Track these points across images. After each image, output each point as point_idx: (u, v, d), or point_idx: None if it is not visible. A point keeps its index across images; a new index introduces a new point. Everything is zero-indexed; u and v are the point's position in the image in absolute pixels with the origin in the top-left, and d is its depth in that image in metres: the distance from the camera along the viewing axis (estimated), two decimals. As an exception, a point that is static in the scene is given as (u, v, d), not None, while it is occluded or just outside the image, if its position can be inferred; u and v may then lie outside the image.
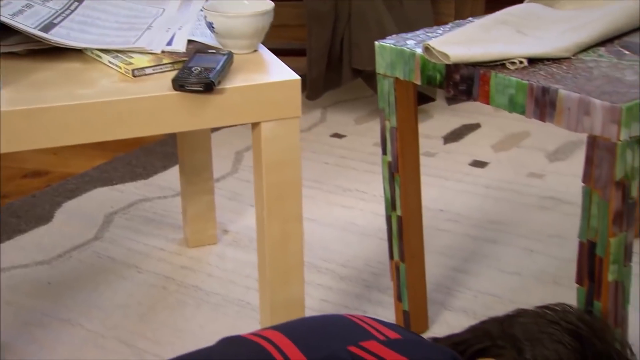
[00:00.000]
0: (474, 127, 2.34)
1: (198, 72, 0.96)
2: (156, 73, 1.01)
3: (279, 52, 2.95)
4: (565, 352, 0.81)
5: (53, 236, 1.70)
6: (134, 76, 1.00)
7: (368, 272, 1.56)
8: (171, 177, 2.00)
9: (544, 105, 0.96)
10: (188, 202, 1.62)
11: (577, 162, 2.02)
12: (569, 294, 1.10)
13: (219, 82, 0.98)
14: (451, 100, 2.59)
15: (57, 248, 1.65)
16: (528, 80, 0.98)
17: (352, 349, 0.72)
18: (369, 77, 2.44)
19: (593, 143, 0.93)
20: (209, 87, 0.96)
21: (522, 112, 0.99)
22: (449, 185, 1.94)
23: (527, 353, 0.82)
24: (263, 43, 1.16)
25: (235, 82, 1.01)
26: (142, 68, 1.00)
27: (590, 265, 0.97)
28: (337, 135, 2.32)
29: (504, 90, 1.01)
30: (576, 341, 0.82)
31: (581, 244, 0.97)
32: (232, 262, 1.60)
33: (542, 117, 0.97)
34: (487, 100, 1.03)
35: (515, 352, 0.82)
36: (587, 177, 0.94)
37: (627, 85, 0.95)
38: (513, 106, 1.00)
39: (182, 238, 1.68)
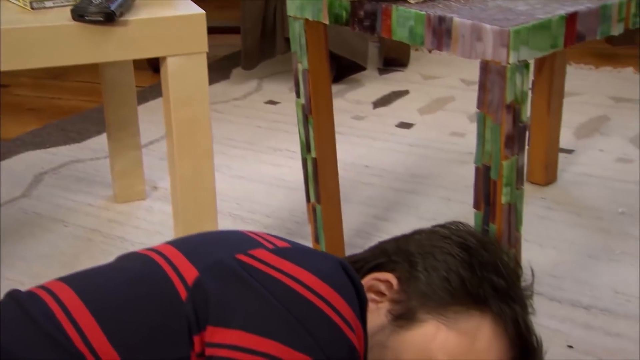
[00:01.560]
0: (403, 93, 2.34)
1: (98, 3, 0.92)
2: (56, 7, 0.97)
3: (216, 30, 2.88)
4: (454, 262, 0.80)
5: (-21, 195, 1.64)
6: (33, 9, 0.95)
7: (292, 222, 1.54)
8: (105, 141, 1.94)
9: (440, 34, 0.96)
10: (115, 157, 1.58)
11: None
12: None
13: (121, 14, 0.95)
14: (383, 70, 2.60)
15: (-18, 205, 1.59)
16: (426, 11, 0.97)
17: (240, 256, 0.70)
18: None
19: (486, 69, 0.92)
20: (109, 17, 0.92)
21: (422, 43, 0.98)
22: (375, 145, 1.93)
23: (419, 265, 0.81)
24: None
25: (139, 15, 0.98)
26: (41, 1, 0.96)
27: (485, 189, 0.96)
28: (271, 102, 2.30)
29: (404, 22, 0.99)
30: (465, 252, 0.81)
31: (477, 169, 0.97)
32: (159, 215, 1.57)
33: (439, 46, 0.96)
34: (389, 33, 1.02)
35: (408, 265, 0.81)
36: (480, 102, 0.94)
37: (517, 13, 0.94)
38: (413, 38, 0.99)
39: (111, 195, 1.64)
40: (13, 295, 0.70)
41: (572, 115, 2.01)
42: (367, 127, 2.05)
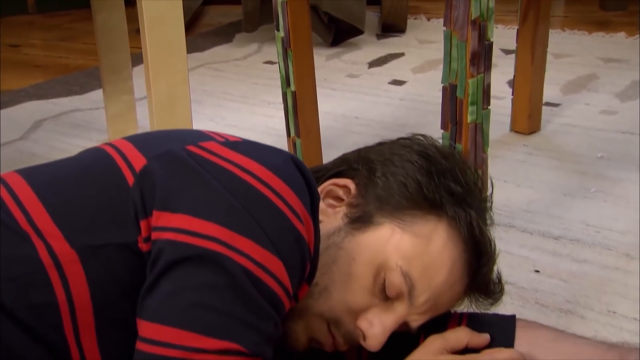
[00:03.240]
0: (398, 55, 2.30)
1: None
2: None
3: (221, 0, 2.84)
4: (412, 168, 0.77)
5: (-22, 137, 1.64)
6: None
7: (278, 164, 1.52)
8: (105, 93, 1.93)
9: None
10: (109, 101, 1.56)
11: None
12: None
13: None
14: (380, 36, 2.57)
15: (-20, 145, 1.59)
16: None
17: (190, 147, 0.68)
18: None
19: (452, -15, 0.89)
20: None
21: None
22: (367, 99, 1.90)
23: (378, 171, 0.78)
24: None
25: None
26: None
27: (452, 108, 0.93)
28: (269, 62, 2.27)
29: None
30: (423, 160, 0.78)
31: (444, 89, 0.94)
32: (150, 158, 1.55)
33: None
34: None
35: (367, 172, 0.78)
36: (447, 19, 0.91)
37: None
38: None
39: (106, 138, 1.62)
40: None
41: (561, 74, 1.97)
42: (360, 84, 2.02)
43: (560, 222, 1.17)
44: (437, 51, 2.32)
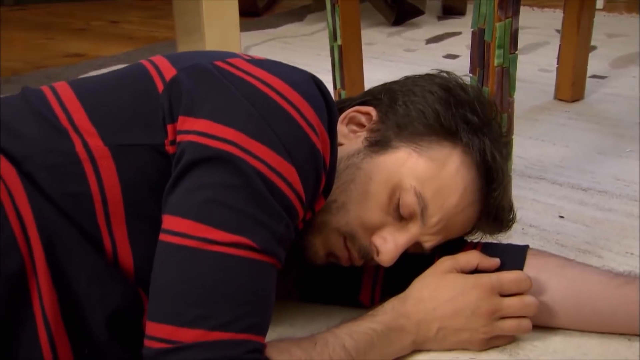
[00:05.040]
0: (456, 34, 2.24)
1: None
2: None
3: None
4: (432, 98, 0.74)
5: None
6: None
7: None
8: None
9: None
10: (182, 60, 1.59)
11: (541, 54, 1.92)
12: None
13: None
14: (441, 17, 2.50)
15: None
16: None
17: (217, 62, 0.67)
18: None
19: None
20: None
21: None
22: (421, 70, 1.78)
23: (399, 100, 0.75)
24: None
25: None
26: None
27: (480, 52, 0.88)
28: (334, 38, 2.25)
29: None
30: (443, 91, 0.74)
31: (473, 34, 0.89)
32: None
33: None
34: None
35: (388, 101, 0.75)
36: (478, -36, 0.86)
37: None
38: None
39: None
40: (22, 89, 0.70)
41: (612, 51, 1.85)
42: (416, 57, 1.98)
43: (591, 176, 1.10)
44: (493, 31, 2.23)
